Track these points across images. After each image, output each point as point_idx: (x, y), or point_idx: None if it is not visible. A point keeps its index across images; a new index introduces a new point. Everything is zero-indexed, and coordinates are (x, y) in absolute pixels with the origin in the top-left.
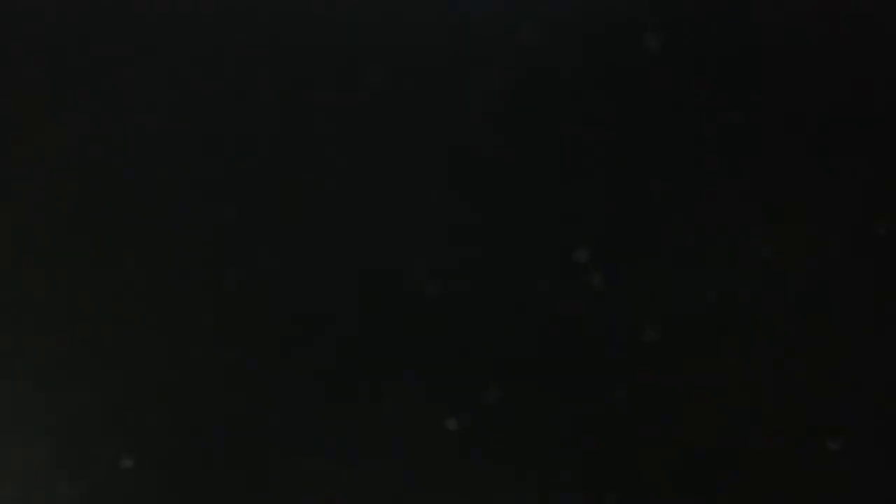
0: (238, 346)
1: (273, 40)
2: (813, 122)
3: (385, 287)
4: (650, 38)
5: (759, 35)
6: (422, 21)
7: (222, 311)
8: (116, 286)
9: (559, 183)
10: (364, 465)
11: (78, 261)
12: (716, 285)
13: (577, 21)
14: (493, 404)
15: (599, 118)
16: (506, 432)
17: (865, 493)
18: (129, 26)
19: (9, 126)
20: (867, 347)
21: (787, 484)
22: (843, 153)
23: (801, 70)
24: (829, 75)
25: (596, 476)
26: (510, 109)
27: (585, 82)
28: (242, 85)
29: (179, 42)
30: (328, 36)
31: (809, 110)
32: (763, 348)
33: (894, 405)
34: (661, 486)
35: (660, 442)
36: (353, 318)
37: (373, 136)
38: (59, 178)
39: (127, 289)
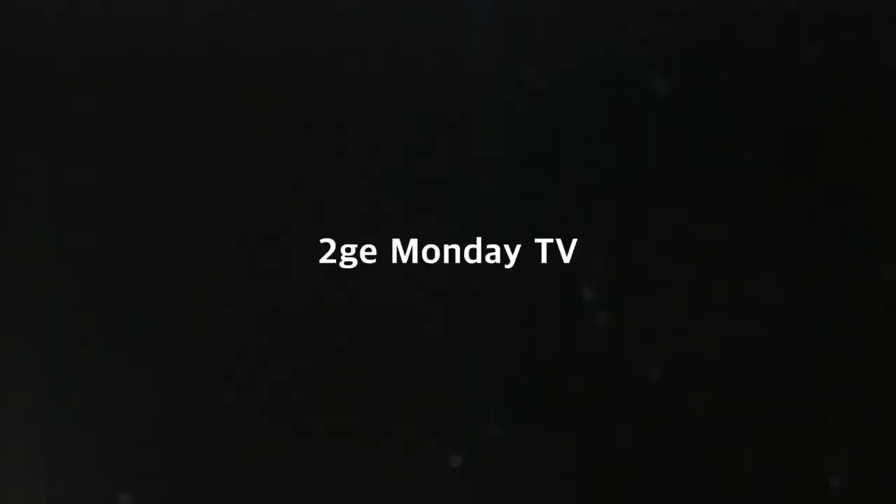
0: (237, 383)
1: (274, 86)
2: (819, 169)
3: (387, 326)
4: (657, 83)
5: (766, 80)
6: (428, 67)
7: (221, 349)
8: (114, 323)
9: (566, 224)
10: (367, 501)
11: (73, 297)
12: (719, 326)
13: (583, 66)
14: (497, 442)
15: (606, 161)
16: (509, 469)
17: None
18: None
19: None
20: (867, 387)
21: None
22: (848, 201)
23: (808, 114)
24: (836, 123)
25: None
26: (516, 153)
27: (591, 126)
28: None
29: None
30: (333, 83)
31: (816, 156)
32: (765, 388)
33: (893, 444)
34: None
35: (663, 480)
36: (355, 357)
37: (377, 183)
38: (53, 225)
39: (124, 325)
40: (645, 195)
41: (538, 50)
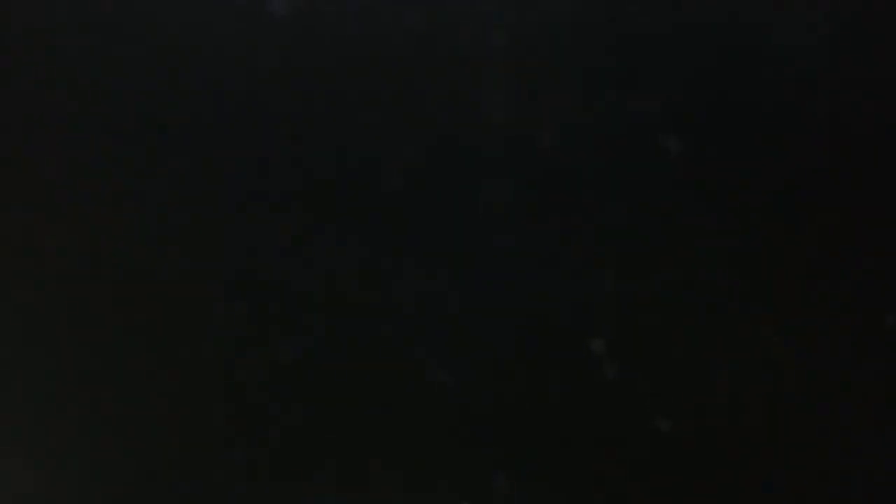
0: (241, 432)
1: (289, 141)
2: (829, 226)
3: (396, 376)
4: (668, 141)
5: (775, 136)
6: (441, 127)
7: (234, 399)
8: (126, 375)
9: (576, 277)
10: None
11: (83, 345)
12: (728, 376)
13: (595, 125)
14: (505, 492)
15: (617, 217)
16: None
17: None
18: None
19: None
20: (876, 436)
21: None
22: (853, 247)
23: (819, 172)
24: (847, 180)
25: None
26: (528, 209)
27: (603, 184)
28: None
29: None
30: (346, 141)
31: (827, 214)
32: (774, 438)
33: None
34: None
35: None
36: (364, 405)
37: (391, 242)
38: (57, 262)
39: (137, 379)
40: (663, 289)
41: (558, 152)
